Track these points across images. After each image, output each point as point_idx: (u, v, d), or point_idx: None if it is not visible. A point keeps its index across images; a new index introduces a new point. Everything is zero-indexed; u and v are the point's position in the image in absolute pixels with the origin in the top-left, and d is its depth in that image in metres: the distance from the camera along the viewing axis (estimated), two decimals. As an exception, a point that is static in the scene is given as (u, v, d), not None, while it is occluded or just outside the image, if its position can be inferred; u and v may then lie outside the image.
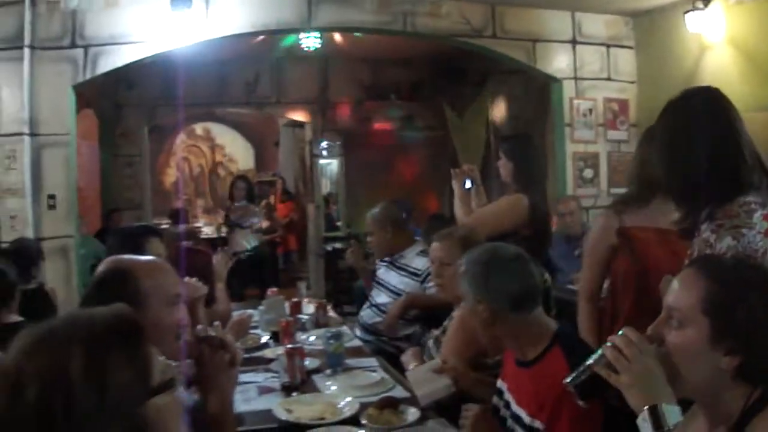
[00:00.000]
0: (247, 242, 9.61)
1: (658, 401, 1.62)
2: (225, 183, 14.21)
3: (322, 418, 2.86)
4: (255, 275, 9.40)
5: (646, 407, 1.62)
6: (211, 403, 2.02)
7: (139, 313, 1.78)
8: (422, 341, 4.04)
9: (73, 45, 6.49)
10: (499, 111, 9.94)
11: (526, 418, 2.49)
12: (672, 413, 1.61)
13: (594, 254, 3.44)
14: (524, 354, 2.59)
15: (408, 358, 3.62)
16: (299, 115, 11.69)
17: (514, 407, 2.60)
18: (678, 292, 1.71)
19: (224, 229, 10.61)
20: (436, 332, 3.77)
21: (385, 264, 5.07)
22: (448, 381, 3.00)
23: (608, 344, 1.72)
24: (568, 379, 1.78)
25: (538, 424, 2.43)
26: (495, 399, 2.79)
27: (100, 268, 2.20)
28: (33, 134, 6.42)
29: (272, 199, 12.59)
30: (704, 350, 1.64)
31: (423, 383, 3.03)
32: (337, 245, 11.21)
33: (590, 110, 7.73)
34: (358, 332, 4.86)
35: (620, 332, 1.73)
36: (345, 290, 9.26)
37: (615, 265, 3.33)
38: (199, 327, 2.12)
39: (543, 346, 2.54)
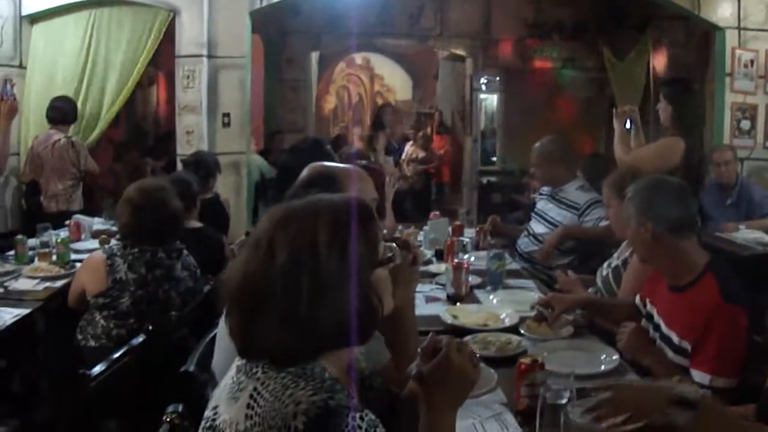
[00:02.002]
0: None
1: None
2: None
3: (485, 325, 3.12)
4: (409, 203, 9.67)
5: None
6: (397, 297, 2.27)
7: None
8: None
9: (251, -27, 6.81)
10: (659, 56, 9.77)
11: (675, 339, 2.68)
12: None
13: None
14: (678, 279, 2.76)
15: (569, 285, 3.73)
16: (460, 50, 11.77)
17: (664, 329, 2.77)
18: None
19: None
20: (606, 270, 3.85)
21: (545, 196, 5.21)
22: None
23: None
24: None
25: (686, 344, 2.62)
26: (644, 322, 2.96)
27: (305, 172, 2.50)
28: (210, 56, 6.85)
29: (429, 130, 12.78)
30: None
31: None
32: (492, 179, 11.36)
33: (752, 61, 7.51)
34: (514, 260, 5.05)
35: None
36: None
37: None
38: (384, 231, 2.36)
39: (696, 273, 2.70)
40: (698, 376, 2.51)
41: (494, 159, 12.01)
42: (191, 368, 2.43)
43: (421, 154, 11.67)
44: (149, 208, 3.63)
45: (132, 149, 9.09)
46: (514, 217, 7.46)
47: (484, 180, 11.46)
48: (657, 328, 2.84)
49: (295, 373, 1.45)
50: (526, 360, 2.24)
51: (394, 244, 1.72)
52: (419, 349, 1.70)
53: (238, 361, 1.56)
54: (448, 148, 12.63)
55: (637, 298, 3.10)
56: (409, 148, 11.90)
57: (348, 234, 1.52)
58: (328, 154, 4.09)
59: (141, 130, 9.79)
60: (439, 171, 12.20)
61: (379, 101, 16.15)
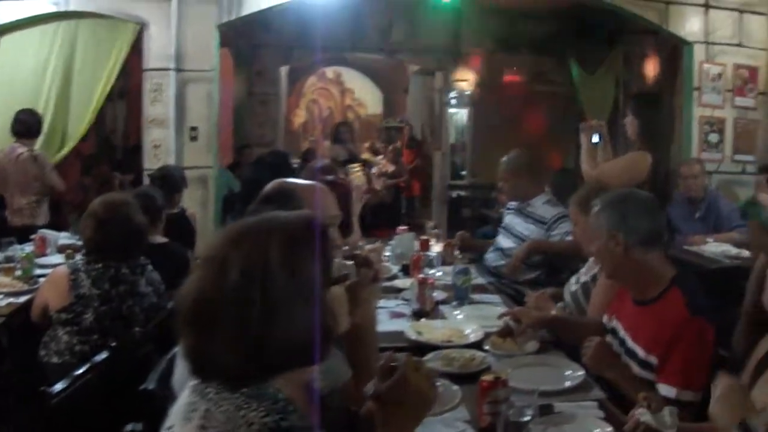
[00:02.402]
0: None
1: None
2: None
3: (450, 341, 3.10)
4: (379, 217, 9.65)
5: None
6: (356, 315, 2.25)
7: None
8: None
9: (220, -14, 6.81)
10: (628, 71, 9.86)
11: (641, 353, 2.67)
12: None
13: None
14: (644, 293, 2.78)
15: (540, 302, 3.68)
16: (430, 64, 11.80)
17: (630, 344, 2.77)
18: None
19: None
20: (574, 286, 3.85)
21: (512, 210, 5.21)
22: None
23: None
24: None
25: (652, 358, 2.62)
26: (609, 338, 2.95)
27: (267, 187, 2.49)
28: (178, 69, 6.82)
29: (399, 144, 12.79)
30: None
31: None
32: (462, 193, 11.38)
33: (719, 75, 7.63)
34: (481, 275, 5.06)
35: None
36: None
37: None
38: (346, 247, 2.35)
39: (663, 286, 2.73)
40: (665, 389, 2.51)
41: (464, 173, 12.02)
42: (151, 386, 2.41)
43: (391, 168, 11.68)
44: (113, 222, 3.60)
45: (101, 163, 9.01)
46: (483, 232, 7.46)
47: (454, 194, 11.47)
48: (622, 343, 2.84)
49: (248, 394, 1.44)
50: (488, 377, 2.23)
51: (350, 262, 1.71)
52: (377, 368, 1.69)
53: (191, 381, 1.54)
54: (418, 162, 12.64)
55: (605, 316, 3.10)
56: (379, 161, 11.92)
57: (301, 252, 1.51)
58: (291, 168, 4.10)
59: (110, 143, 9.71)
60: (409, 185, 12.21)
61: (350, 115, 16.17)
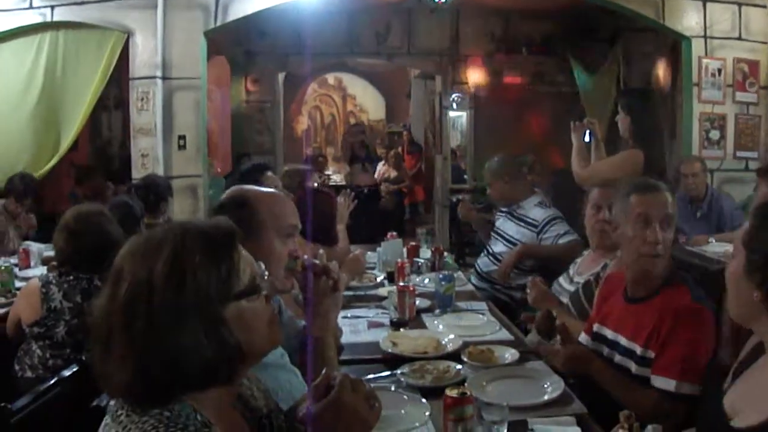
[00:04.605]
0: None
1: None
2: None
3: (425, 353, 2.96)
4: (381, 224, 9.58)
5: None
6: (315, 326, 2.14)
7: (253, 240, 1.96)
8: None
9: (205, -8, 6.74)
10: (629, 69, 9.74)
11: (639, 350, 2.60)
12: None
13: None
14: (647, 288, 2.74)
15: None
16: (429, 67, 11.70)
17: (625, 343, 2.70)
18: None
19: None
20: (569, 285, 3.80)
21: (503, 214, 5.14)
22: None
23: None
24: None
25: (650, 353, 2.55)
26: (593, 344, 2.89)
27: (224, 195, 2.38)
28: (165, 78, 6.74)
29: (400, 149, 12.72)
30: (741, 279, 1.80)
31: None
32: (464, 197, 11.28)
33: (719, 70, 7.46)
34: (474, 280, 4.96)
35: None
36: (470, 241, 9.32)
37: None
38: (304, 256, 2.23)
39: (659, 282, 2.70)
40: (661, 382, 2.45)
41: (466, 177, 11.90)
42: (104, 402, 2.29)
43: (393, 174, 11.61)
44: (85, 234, 3.56)
45: (95, 173, 8.95)
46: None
47: (456, 198, 11.35)
48: (614, 346, 2.76)
49: (158, 418, 1.33)
50: (452, 392, 2.08)
51: (265, 272, 1.57)
52: (311, 387, 1.56)
53: (110, 402, 1.44)
54: (420, 167, 12.57)
55: (582, 335, 3.01)
56: (381, 167, 11.86)
57: (188, 264, 1.39)
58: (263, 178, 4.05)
59: (105, 153, 9.65)
60: (411, 190, 12.13)
61: (352, 121, 16.11)
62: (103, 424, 1.42)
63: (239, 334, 1.42)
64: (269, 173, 3.74)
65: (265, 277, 1.55)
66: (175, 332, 1.35)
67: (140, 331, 1.34)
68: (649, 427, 1.91)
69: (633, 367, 2.61)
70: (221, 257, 1.44)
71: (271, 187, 2.88)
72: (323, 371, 1.61)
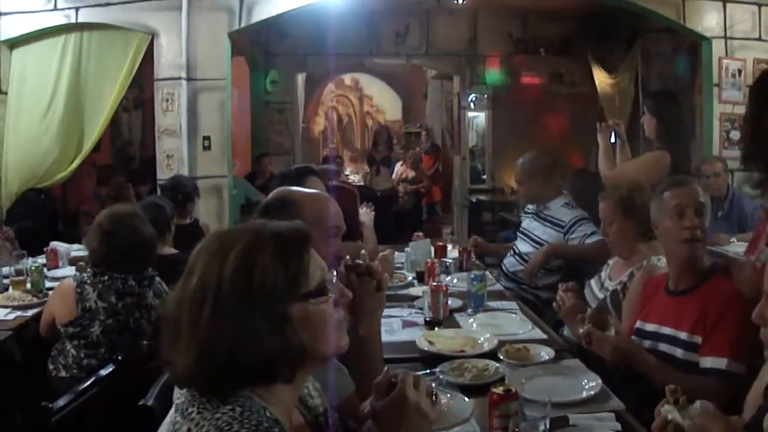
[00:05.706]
0: None
1: None
2: (372, 133, 14.44)
3: (462, 351, 2.99)
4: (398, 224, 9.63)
5: None
6: (361, 327, 2.16)
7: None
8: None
9: (230, -7, 6.77)
10: (648, 70, 9.73)
11: (684, 336, 2.71)
12: None
13: None
14: (690, 280, 2.84)
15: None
16: (448, 67, 11.73)
17: (669, 332, 2.80)
18: None
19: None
20: (599, 291, 3.77)
21: (530, 215, 5.12)
22: None
23: None
24: None
25: (696, 338, 2.66)
26: (636, 339, 2.94)
27: (269, 196, 2.40)
28: (189, 79, 6.77)
29: (418, 150, 12.73)
30: None
31: None
32: (482, 197, 11.29)
33: (739, 71, 7.42)
34: (500, 280, 4.96)
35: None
36: (489, 241, 9.32)
37: None
38: (347, 256, 2.24)
39: (701, 275, 2.82)
40: (712, 362, 2.54)
41: (484, 177, 11.92)
42: (150, 402, 2.32)
43: (411, 174, 11.63)
44: (119, 234, 3.57)
45: (117, 173, 8.99)
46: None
47: (474, 198, 11.37)
48: (657, 337, 2.85)
49: (231, 414, 1.35)
50: (498, 389, 2.10)
51: (334, 279, 1.60)
52: (373, 385, 1.59)
53: (177, 399, 1.47)
54: (438, 167, 12.58)
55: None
56: (399, 168, 11.86)
57: (258, 260, 1.43)
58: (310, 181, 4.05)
59: (127, 154, 9.69)
60: (429, 191, 12.14)
61: (369, 122, 16.13)
62: (169, 421, 1.45)
63: (303, 334, 1.45)
64: (314, 179, 3.72)
65: (335, 284, 1.57)
66: (238, 322, 1.38)
67: (205, 318, 1.38)
68: (697, 402, 1.89)
69: (678, 352, 2.70)
70: (291, 256, 1.47)
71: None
72: (385, 369, 1.63)
